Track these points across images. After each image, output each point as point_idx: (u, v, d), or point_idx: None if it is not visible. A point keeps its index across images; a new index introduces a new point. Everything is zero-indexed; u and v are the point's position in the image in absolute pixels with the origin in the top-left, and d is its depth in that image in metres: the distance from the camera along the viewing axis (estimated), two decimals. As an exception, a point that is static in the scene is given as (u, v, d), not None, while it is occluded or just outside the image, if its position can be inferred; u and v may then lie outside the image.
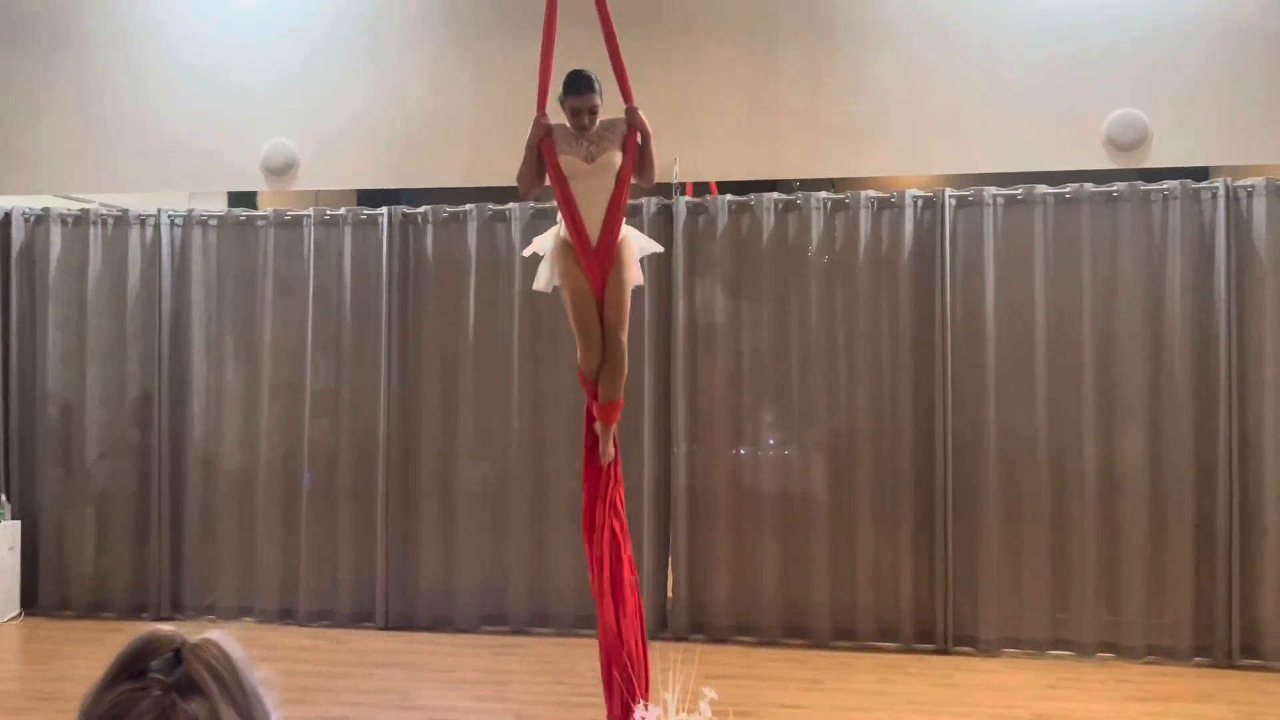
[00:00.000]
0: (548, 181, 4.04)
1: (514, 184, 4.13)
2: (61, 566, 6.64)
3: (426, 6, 6.47)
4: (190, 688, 0.93)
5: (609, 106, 4.01)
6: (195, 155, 6.58)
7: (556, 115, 4.03)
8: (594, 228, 3.96)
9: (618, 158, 3.97)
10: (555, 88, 4.00)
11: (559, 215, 4.11)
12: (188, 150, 6.58)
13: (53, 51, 6.69)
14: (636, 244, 4.18)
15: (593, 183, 3.95)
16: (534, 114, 3.99)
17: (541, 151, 3.96)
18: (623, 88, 4.01)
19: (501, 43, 6.11)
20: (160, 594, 6.53)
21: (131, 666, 0.94)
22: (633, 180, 4.05)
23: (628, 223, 4.22)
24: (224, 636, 0.98)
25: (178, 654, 0.95)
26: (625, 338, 4.03)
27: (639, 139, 3.97)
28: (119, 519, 6.61)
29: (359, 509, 6.42)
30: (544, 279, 4.27)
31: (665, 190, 6.29)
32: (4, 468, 6.63)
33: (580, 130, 3.93)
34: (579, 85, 3.89)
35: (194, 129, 6.55)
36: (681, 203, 6.17)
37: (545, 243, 4.23)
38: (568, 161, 3.94)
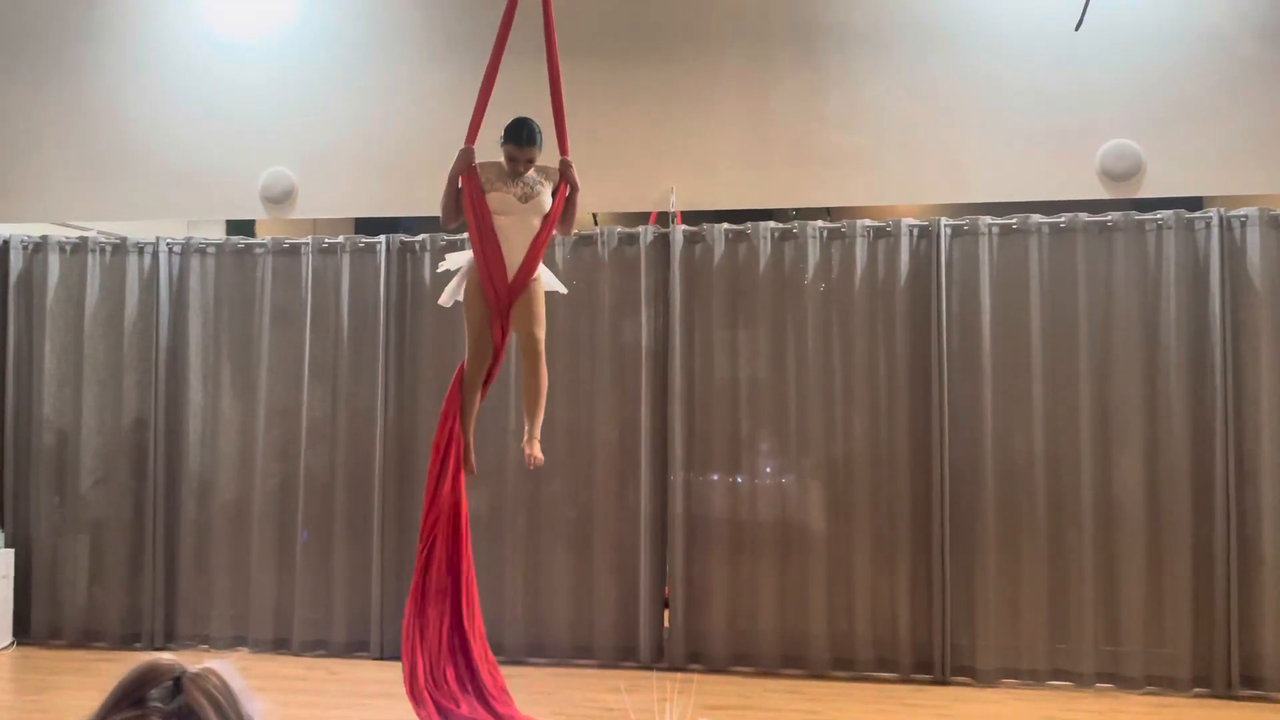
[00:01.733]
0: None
1: None
2: (55, 595, 6.60)
3: (425, 36, 6.52)
4: (188, 717, 0.93)
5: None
6: (194, 183, 6.62)
7: (486, 151, 4.13)
8: (514, 262, 4.07)
9: (549, 201, 4.08)
10: (489, 122, 4.11)
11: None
12: (186, 178, 6.61)
13: (52, 80, 6.74)
14: (545, 279, 4.32)
15: (522, 220, 4.10)
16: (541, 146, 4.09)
17: (462, 183, 4.07)
18: (561, 139, 4.14)
19: (501, 71, 6.14)
20: (154, 623, 6.49)
21: (131, 694, 0.94)
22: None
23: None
24: (225, 666, 0.98)
25: (177, 683, 0.95)
26: (543, 339, 4.13)
27: (568, 191, 4.16)
28: (113, 547, 6.58)
29: (354, 537, 6.39)
30: (448, 295, 4.36)
31: (663, 219, 6.33)
32: (-2, 495, 6.61)
33: (515, 175, 4.05)
34: (521, 137, 4.05)
35: (193, 157, 6.59)
36: (678, 231, 6.20)
37: (459, 260, 4.34)
38: (500, 198, 4.07)
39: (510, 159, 4.06)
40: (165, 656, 0.97)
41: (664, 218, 6.47)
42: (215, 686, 0.96)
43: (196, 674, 0.96)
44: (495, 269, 4.06)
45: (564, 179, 4.13)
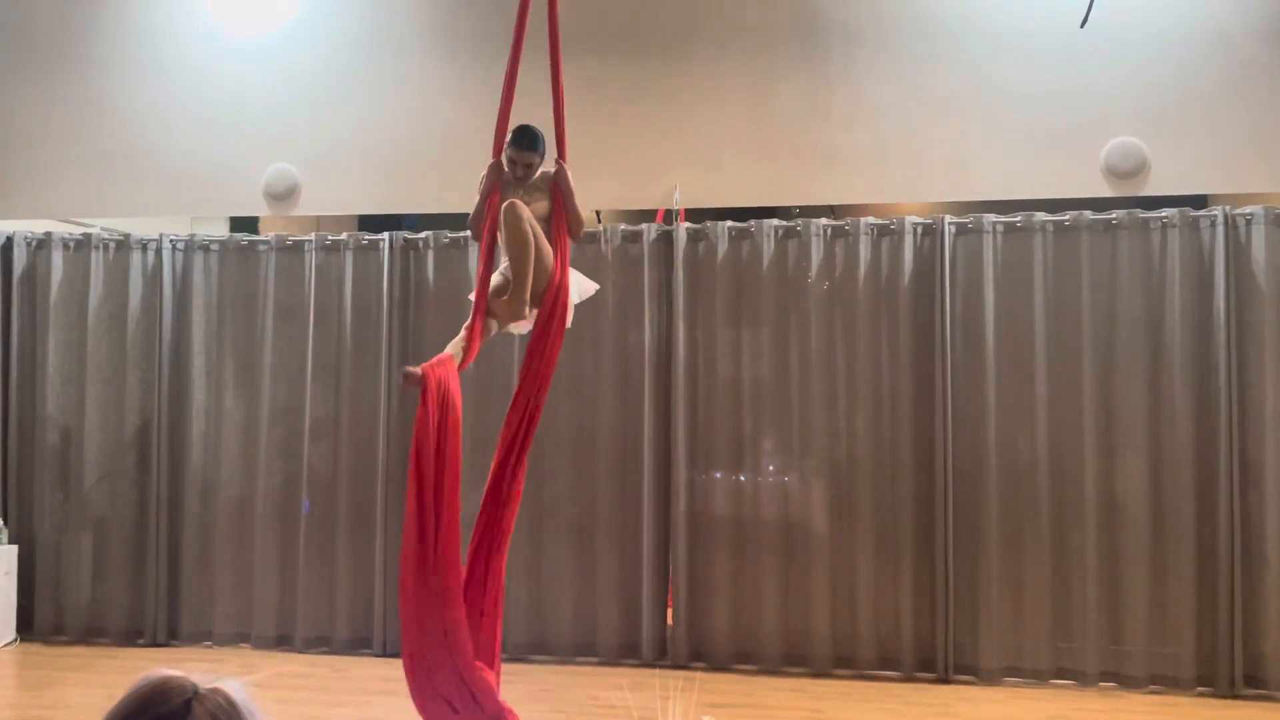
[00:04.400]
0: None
1: None
2: (58, 592, 6.61)
3: (429, 33, 6.51)
4: None
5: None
6: (198, 180, 6.62)
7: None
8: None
9: (547, 208, 4.07)
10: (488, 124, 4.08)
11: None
12: (190, 175, 6.61)
13: (56, 77, 6.74)
14: (576, 286, 4.20)
15: None
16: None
17: (490, 198, 4.04)
18: (559, 143, 4.10)
19: (503, 68, 6.13)
20: (157, 620, 6.50)
21: (140, 713, 0.95)
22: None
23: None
24: (234, 684, 1.00)
25: (188, 705, 0.97)
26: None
27: (562, 197, 4.06)
28: (116, 544, 6.58)
29: (357, 535, 6.39)
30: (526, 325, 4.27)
31: (666, 217, 6.32)
32: (2, 491, 6.61)
33: (516, 180, 4.02)
34: (523, 143, 4.00)
35: (196, 154, 6.59)
36: (682, 229, 6.19)
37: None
38: None
39: (511, 162, 4.03)
40: (177, 675, 0.98)
41: (669, 215, 6.46)
42: (219, 705, 0.97)
43: (203, 695, 0.97)
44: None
45: (555, 184, 4.08)
